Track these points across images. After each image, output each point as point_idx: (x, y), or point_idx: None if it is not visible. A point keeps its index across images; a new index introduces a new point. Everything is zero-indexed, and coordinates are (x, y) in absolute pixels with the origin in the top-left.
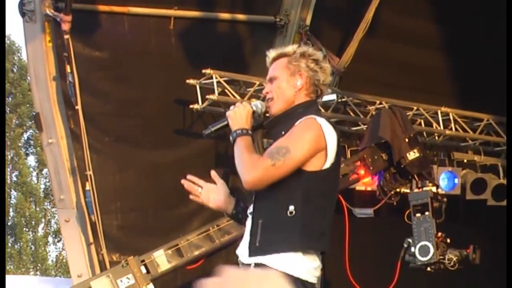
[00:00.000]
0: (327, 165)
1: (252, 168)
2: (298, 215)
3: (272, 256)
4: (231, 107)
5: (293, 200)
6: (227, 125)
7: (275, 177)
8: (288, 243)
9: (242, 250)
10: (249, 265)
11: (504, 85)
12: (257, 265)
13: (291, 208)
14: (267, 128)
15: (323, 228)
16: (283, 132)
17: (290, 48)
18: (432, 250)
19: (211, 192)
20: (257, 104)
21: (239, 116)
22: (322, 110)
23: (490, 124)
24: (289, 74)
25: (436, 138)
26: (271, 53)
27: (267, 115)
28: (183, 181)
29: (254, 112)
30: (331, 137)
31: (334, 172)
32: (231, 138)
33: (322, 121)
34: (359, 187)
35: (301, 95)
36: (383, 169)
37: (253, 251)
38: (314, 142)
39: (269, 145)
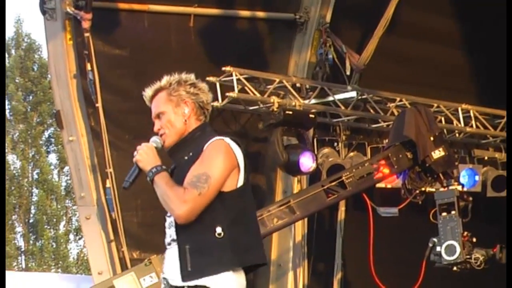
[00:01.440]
0: (241, 181)
1: (181, 202)
2: (226, 235)
3: (208, 278)
4: (135, 153)
5: (218, 221)
6: (140, 170)
7: (203, 205)
8: (221, 264)
9: (173, 275)
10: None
11: None
12: (190, 287)
13: (219, 229)
14: (170, 156)
15: (251, 242)
16: (186, 157)
17: (164, 81)
18: (458, 249)
19: None
20: (156, 140)
21: (146, 157)
22: (342, 107)
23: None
24: (173, 105)
25: (457, 135)
26: (148, 92)
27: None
28: None
29: (156, 147)
30: (239, 155)
31: (249, 187)
32: (148, 179)
33: (228, 140)
34: (380, 184)
35: (191, 122)
36: (407, 168)
37: (186, 276)
38: (228, 163)
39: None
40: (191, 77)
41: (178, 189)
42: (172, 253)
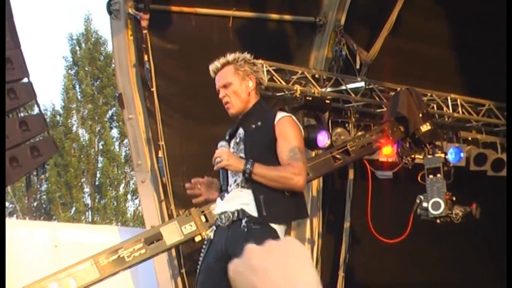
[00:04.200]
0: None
1: (296, 176)
2: (290, 194)
3: (277, 225)
4: (217, 160)
5: None
6: (243, 173)
7: (306, 169)
8: (288, 215)
9: (247, 207)
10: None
11: (502, 76)
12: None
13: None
14: (239, 124)
15: (302, 201)
16: (253, 126)
17: (231, 57)
18: (443, 205)
19: (209, 187)
20: (223, 144)
21: (233, 160)
22: (353, 95)
23: (490, 109)
24: (240, 78)
25: (446, 119)
26: (216, 64)
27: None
28: (186, 185)
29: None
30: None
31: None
32: (246, 175)
33: (293, 116)
34: (382, 158)
35: (253, 95)
36: (400, 139)
37: (262, 219)
38: (301, 134)
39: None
40: (249, 56)
41: (284, 167)
42: (240, 194)
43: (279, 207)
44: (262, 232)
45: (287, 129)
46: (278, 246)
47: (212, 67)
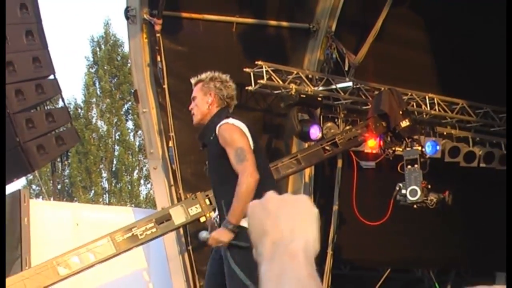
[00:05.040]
0: (251, 144)
1: (246, 179)
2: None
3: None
4: (205, 236)
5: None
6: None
7: (254, 162)
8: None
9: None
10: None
11: (474, 77)
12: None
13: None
14: (200, 138)
15: (266, 183)
16: (211, 138)
17: (203, 76)
18: (419, 192)
19: None
20: (205, 236)
21: (218, 236)
22: (342, 93)
23: (464, 107)
24: (202, 94)
25: (424, 116)
26: (192, 81)
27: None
28: None
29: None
30: (240, 125)
31: (259, 148)
32: (234, 230)
33: (230, 120)
34: (367, 150)
35: (213, 108)
36: (383, 133)
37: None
38: (239, 133)
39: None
40: (223, 76)
41: (237, 185)
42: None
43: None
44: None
45: (225, 136)
46: (293, 199)
47: (192, 82)
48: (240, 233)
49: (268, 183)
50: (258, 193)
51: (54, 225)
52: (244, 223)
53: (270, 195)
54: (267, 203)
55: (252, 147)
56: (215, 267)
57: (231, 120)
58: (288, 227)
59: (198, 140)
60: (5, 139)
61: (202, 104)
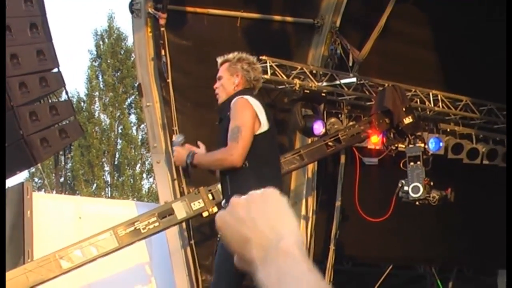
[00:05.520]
0: (264, 127)
1: (229, 156)
2: (250, 166)
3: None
4: (173, 155)
5: (247, 157)
6: (185, 168)
7: (246, 147)
8: (246, 188)
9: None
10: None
11: (478, 75)
12: None
13: (246, 163)
14: (219, 112)
15: (271, 173)
16: (228, 113)
17: (230, 56)
18: (421, 189)
19: None
20: (177, 141)
21: (178, 156)
22: (346, 89)
23: (467, 104)
24: (229, 74)
25: (428, 112)
26: (219, 59)
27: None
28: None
29: (182, 143)
30: (257, 106)
31: (272, 133)
32: (188, 166)
33: (247, 97)
34: (370, 146)
35: (238, 89)
36: (386, 130)
37: (227, 199)
38: (248, 112)
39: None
40: (251, 57)
41: (219, 151)
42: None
43: (241, 182)
44: None
45: (234, 109)
46: (260, 196)
47: (218, 61)
48: None
49: (266, 171)
50: (257, 176)
51: (57, 218)
52: None
53: (234, 201)
54: (236, 209)
55: (266, 128)
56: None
57: (247, 97)
58: (267, 226)
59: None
60: (5, 134)
61: (228, 84)
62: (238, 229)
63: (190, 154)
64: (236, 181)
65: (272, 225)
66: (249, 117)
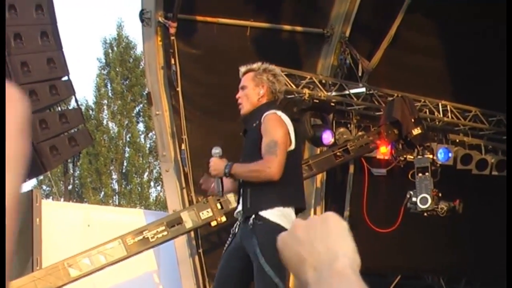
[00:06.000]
0: (293, 146)
1: (266, 168)
2: (277, 183)
3: (263, 211)
4: (210, 170)
5: None
6: (220, 178)
7: (282, 161)
8: (271, 202)
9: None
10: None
11: (487, 86)
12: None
13: None
14: (244, 122)
15: (295, 191)
16: (254, 124)
17: (255, 65)
18: (430, 200)
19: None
20: (215, 151)
21: (216, 167)
22: (355, 99)
23: (476, 115)
24: (254, 84)
25: (437, 123)
26: (243, 68)
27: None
28: (201, 181)
29: (219, 156)
30: (288, 123)
31: (299, 150)
32: (226, 176)
33: (280, 113)
34: (379, 156)
35: (263, 101)
36: (394, 141)
37: (247, 211)
38: (283, 128)
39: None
40: (276, 69)
41: (257, 162)
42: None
43: (262, 197)
44: (265, 228)
45: (267, 125)
46: (320, 219)
47: (240, 70)
48: (271, 231)
49: (290, 190)
50: (279, 193)
51: (65, 226)
52: (277, 219)
53: (297, 222)
54: (296, 231)
55: (294, 147)
56: (232, 263)
57: (280, 113)
58: (324, 247)
59: (242, 123)
60: (5, 134)
61: (253, 95)
62: (296, 250)
63: (228, 165)
64: (257, 196)
65: (329, 246)
66: (284, 134)
